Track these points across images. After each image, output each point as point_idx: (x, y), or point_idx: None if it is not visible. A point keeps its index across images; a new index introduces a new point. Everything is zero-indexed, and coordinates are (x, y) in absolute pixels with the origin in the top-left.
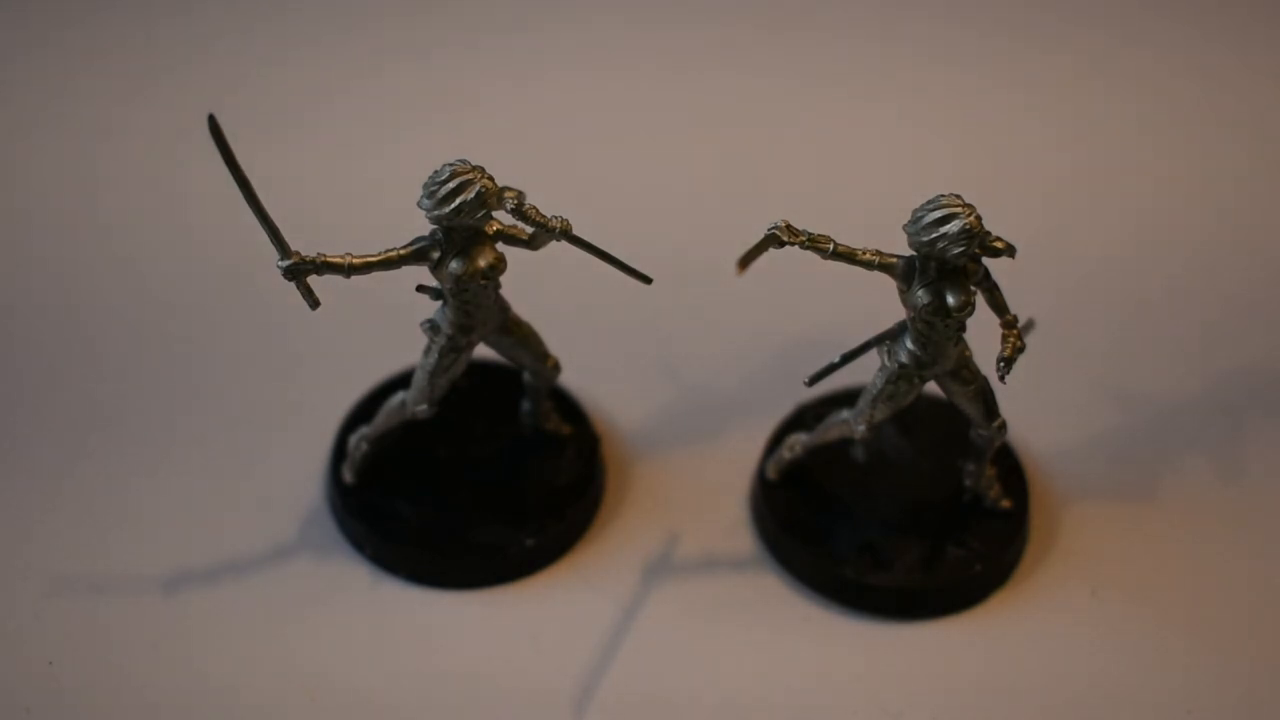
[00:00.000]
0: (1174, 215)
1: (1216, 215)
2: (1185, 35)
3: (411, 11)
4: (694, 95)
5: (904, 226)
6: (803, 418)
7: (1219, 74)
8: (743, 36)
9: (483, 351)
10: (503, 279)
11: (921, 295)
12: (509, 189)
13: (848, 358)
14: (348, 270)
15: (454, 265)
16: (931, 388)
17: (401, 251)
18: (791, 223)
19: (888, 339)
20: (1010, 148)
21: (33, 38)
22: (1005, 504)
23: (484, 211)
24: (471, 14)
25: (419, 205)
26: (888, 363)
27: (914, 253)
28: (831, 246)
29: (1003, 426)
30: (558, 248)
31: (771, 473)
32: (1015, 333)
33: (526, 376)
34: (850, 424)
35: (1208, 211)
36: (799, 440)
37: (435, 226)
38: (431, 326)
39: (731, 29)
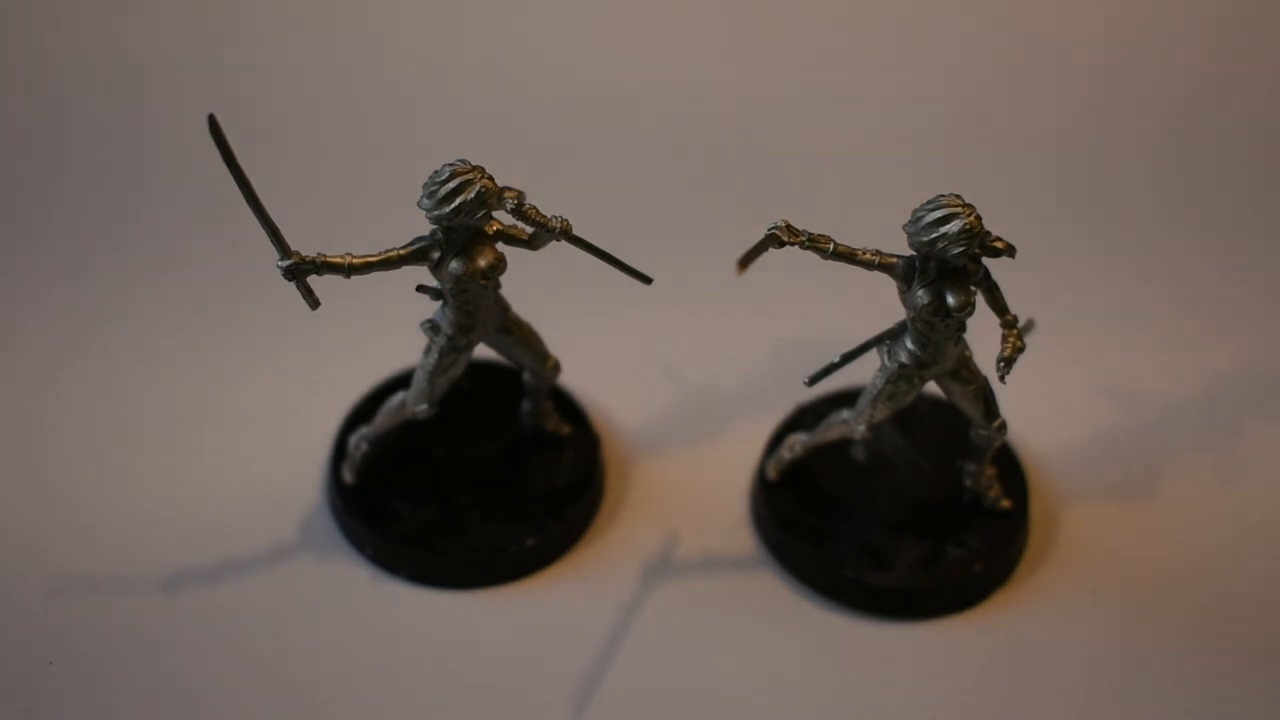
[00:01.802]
0: (1174, 215)
1: (1217, 216)
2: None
3: (411, 7)
4: (694, 94)
5: (904, 226)
6: (803, 418)
7: (1219, 68)
8: (742, 35)
9: (483, 351)
10: (503, 279)
11: (921, 295)
12: (509, 189)
13: (848, 358)
14: (348, 270)
15: (454, 265)
16: (931, 388)
17: (401, 251)
18: (791, 223)
19: (888, 339)
20: (1011, 146)
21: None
22: (1005, 504)
23: (484, 211)
24: (471, 10)
25: (419, 205)
26: (888, 363)
27: (914, 253)
28: (831, 246)
29: (1003, 426)
30: (558, 248)
31: (771, 473)
32: (1015, 333)
33: (527, 376)
34: (850, 424)
35: (1208, 211)
36: (799, 440)
37: (435, 226)
38: (431, 326)
39: (731, 27)
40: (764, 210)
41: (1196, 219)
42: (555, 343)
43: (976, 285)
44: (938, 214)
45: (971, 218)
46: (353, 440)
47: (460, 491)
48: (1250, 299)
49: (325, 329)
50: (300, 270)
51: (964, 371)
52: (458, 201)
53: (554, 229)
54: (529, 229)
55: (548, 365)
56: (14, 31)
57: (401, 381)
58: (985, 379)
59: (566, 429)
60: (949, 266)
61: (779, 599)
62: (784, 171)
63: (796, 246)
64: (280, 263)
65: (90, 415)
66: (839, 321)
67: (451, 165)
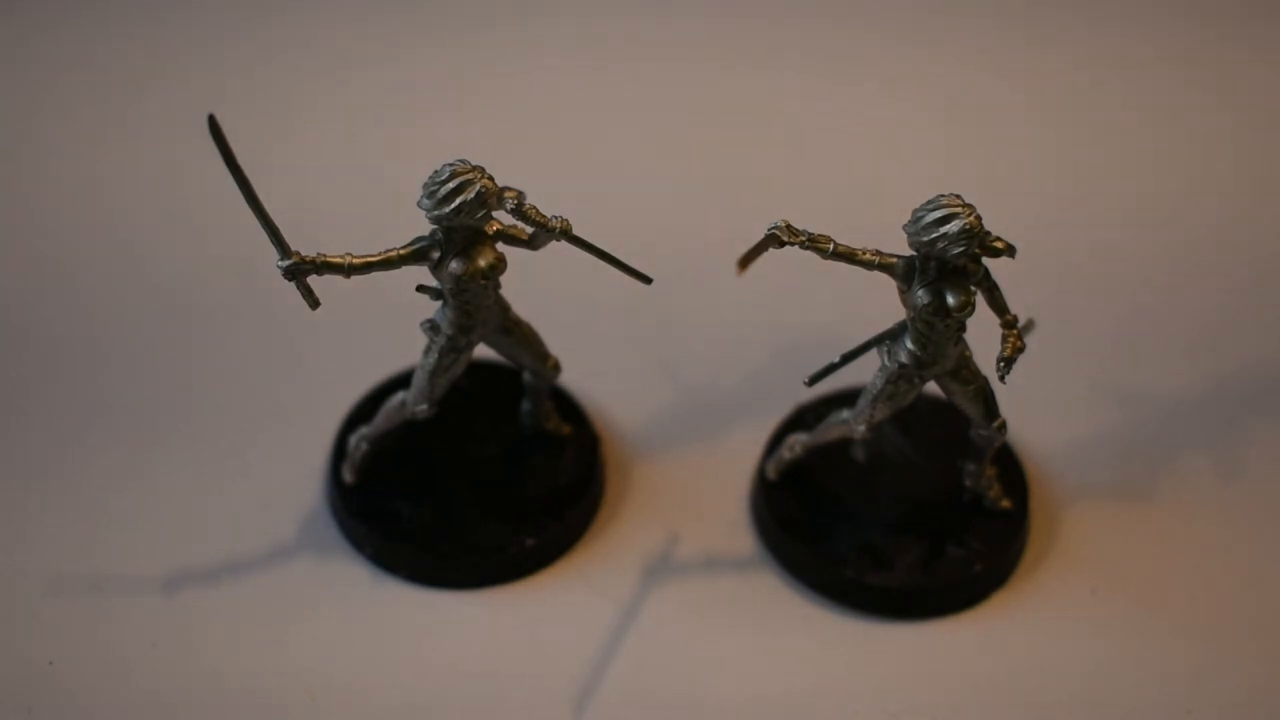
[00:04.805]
0: (1173, 213)
1: (1215, 214)
2: (1185, 30)
3: (410, 9)
4: (692, 92)
5: (904, 226)
6: (803, 418)
7: (1217, 69)
8: (741, 31)
9: (483, 351)
10: (503, 279)
11: (921, 295)
12: (509, 189)
13: (848, 358)
14: (348, 270)
15: (454, 265)
16: (931, 388)
17: (401, 251)
18: (791, 222)
19: (888, 339)
20: (1008, 144)
21: (33, 33)
22: (1005, 504)
23: (484, 211)
24: (471, 11)
25: (419, 205)
26: (888, 363)
27: (914, 253)
28: (831, 246)
29: (1003, 426)
30: (558, 248)
31: (771, 473)
32: (1015, 333)
33: (527, 376)
34: (850, 424)
35: (1207, 209)
36: (799, 440)
37: (435, 226)
38: (431, 326)
39: (730, 23)
40: (765, 209)
41: (1197, 219)
42: (555, 343)
43: (976, 285)
44: (937, 214)
45: (971, 218)
46: (353, 440)
47: (460, 491)
48: (1250, 299)
49: (325, 329)
50: (300, 270)
51: (964, 371)
52: (458, 201)
53: (554, 229)
54: (529, 229)
55: (548, 365)
56: None
57: (401, 381)
58: (985, 379)
59: (566, 429)
60: (949, 266)
61: (779, 599)
62: (784, 169)
63: (796, 246)
64: (280, 263)
65: (90, 414)
66: (839, 321)
67: (451, 165)
